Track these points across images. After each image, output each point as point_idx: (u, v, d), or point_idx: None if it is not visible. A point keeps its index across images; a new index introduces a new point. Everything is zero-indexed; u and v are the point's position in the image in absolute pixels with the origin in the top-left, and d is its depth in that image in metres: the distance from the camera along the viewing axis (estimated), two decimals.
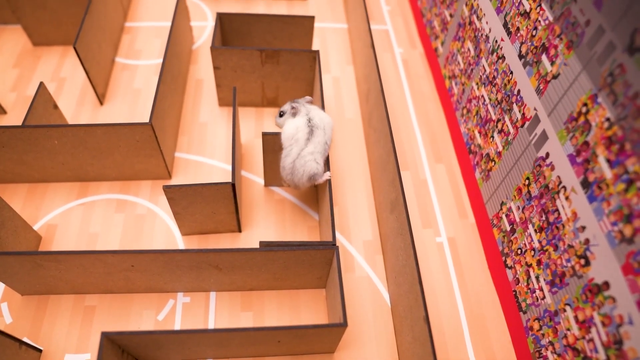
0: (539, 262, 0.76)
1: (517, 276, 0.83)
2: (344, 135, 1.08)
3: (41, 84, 0.92)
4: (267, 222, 0.94)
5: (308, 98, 0.88)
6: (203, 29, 1.28)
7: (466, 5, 1.01)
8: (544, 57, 0.75)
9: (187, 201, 0.81)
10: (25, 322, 0.82)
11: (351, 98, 1.15)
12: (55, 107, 0.97)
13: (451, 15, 1.09)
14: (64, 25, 1.18)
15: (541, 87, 0.76)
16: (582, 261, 0.66)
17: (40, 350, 0.79)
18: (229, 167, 1.01)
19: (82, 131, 0.87)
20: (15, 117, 1.08)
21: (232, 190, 0.79)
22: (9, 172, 0.95)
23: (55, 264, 0.74)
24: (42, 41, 1.21)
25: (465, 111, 1.03)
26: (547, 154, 0.74)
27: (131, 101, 1.11)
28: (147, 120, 1.07)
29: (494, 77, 0.90)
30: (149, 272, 0.77)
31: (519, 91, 0.82)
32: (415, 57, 1.25)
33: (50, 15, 1.15)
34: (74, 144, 0.89)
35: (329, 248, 0.73)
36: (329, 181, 0.81)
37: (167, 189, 0.77)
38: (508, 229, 0.86)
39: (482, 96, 0.95)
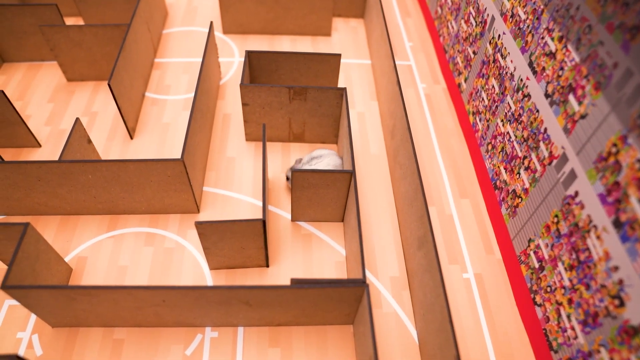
0: (570, 301, 0.75)
1: (547, 314, 0.82)
2: (369, 171, 1.09)
3: (77, 120, 0.95)
4: (294, 257, 0.94)
5: (298, 159, 1.02)
6: (230, 64, 1.32)
7: (490, 43, 1.03)
8: (571, 97, 0.76)
9: (218, 236, 0.82)
10: (55, 354, 0.83)
11: (376, 133, 1.16)
12: (89, 142, 1.00)
13: (474, 53, 1.11)
14: (97, 62, 1.22)
15: (569, 126, 0.77)
16: (616, 302, 0.65)
17: None
18: (256, 202, 1.02)
19: (116, 166, 0.89)
20: (49, 150, 1.11)
21: (262, 226, 0.80)
22: (43, 205, 0.98)
23: (88, 297, 0.75)
24: (75, 77, 1.25)
25: (490, 147, 1.04)
26: (577, 193, 0.74)
27: (160, 135, 1.14)
28: (176, 154, 1.10)
29: (520, 115, 0.91)
30: (179, 307, 0.78)
31: (545, 129, 0.83)
32: (438, 92, 1.27)
33: (85, 53, 1.19)
34: (107, 178, 0.91)
35: (359, 285, 0.73)
36: (358, 217, 0.81)
37: (199, 225, 0.79)
38: (537, 266, 0.86)
39: (508, 133, 0.96)
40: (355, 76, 1.30)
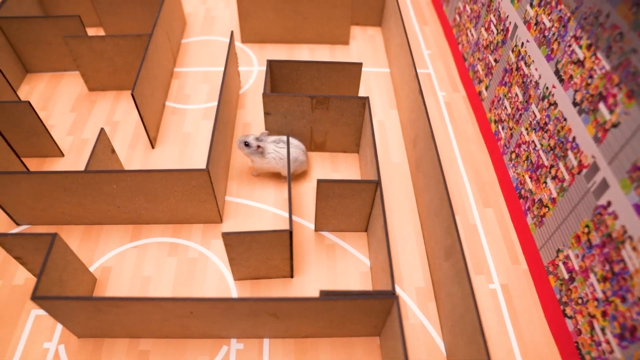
0: (604, 314, 0.74)
1: (578, 327, 0.80)
2: (391, 180, 1.08)
3: (102, 130, 0.95)
4: (318, 268, 0.94)
5: (265, 132, 1.03)
6: (249, 73, 1.32)
7: (512, 51, 1.02)
8: (601, 106, 0.75)
9: (244, 247, 0.81)
10: None
11: (397, 142, 1.16)
12: (113, 151, 1.00)
13: (496, 61, 1.11)
14: (118, 72, 1.23)
15: (599, 135, 0.76)
16: None
17: None
18: (278, 211, 1.02)
19: (141, 176, 0.89)
20: (71, 160, 1.12)
21: (289, 237, 0.79)
22: (67, 215, 0.98)
23: (116, 309, 0.75)
24: (97, 86, 1.26)
25: (513, 155, 1.03)
26: (609, 203, 0.73)
27: (181, 145, 1.14)
28: (197, 164, 1.10)
29: (546, 123, 0.90)
30: (206, 319, 0.77)
31: (574, 138, 0.82)
32: (458, 100, 1.26)
33: (106, 63, 1.20)
34: (131, 188, 0.91)
35: (388, 297, 0.73)
36: (385, 228, 0.81)
37: (226, 236, 0.78)
38: (566, 277, 0.84)
39: (533, 141, 0.95)
40: (374, 84, 1.29)
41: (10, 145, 0.99)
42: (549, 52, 0.88)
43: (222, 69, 1.33)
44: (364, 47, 1.40)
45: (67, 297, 0.73)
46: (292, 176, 1.06)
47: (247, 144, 1.00)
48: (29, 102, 1.01)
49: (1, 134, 0.96)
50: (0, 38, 1.21)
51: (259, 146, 0.99)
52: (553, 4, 0.86)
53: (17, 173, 0.89)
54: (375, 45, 1.41)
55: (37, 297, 0.73)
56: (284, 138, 1.02)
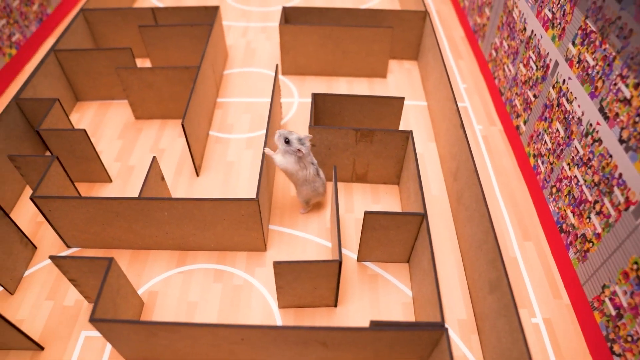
0: None
1: None
2: (432, 212, 1.10)
3: (154, 158, 0.99)
4: (361, 298, 0.95)
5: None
6: (290, 104, 1.36)
7: (553, 88, 1.04)
8: None
9: (293, 276, 0.83)
10: None
11: (436, 174, 1.17)
12: (162, 179, 1.04)
13: (535, 96, 1.13)
14: (164, 101, 1.28)
15: None
16: None
17: None
18: (321, 241, 1.04)
19: (192, 204, 0.92)
20: (119, 186, 1.16)
21: (338, 267, 0.81)
22: (117, 239, 1.01)
23: (171, 334, 0.77)
24: (143, 115, 1.32)
25: (554, 190, 1.04)
26: None
27: (225, 173, 1.18)
28: (241, 192, 1.13)
29: (589, 159, 0.91)
30: (255, 346, 0.79)
31: (620, 175, 0.83)
32: (494, 134, 1.28)
33: (154, 93, 1.25)
34: (181, 215, 0.95)
35: (438, 329, 0.73)
36: (432, 260, 0.82)
37: (277, 265, 0.80)
38: (613, 313, 0.84)
39: (575, 177, 0.96)
40: (412, 117, 1.32)
41: (65, 171, 1.03)
42: (593, 90, 0.90)
43: (264, 99, 1.38)
44: (401, 80, 1.44)
45: (125, 320, 0.76)
46: (308, 203, 1.07)
47: (287, 141, 0.95)
48: (85, 130, 1.06)
49: (58, 160, 1.01)
50: (56, 69, 1.27)
51: (299, 150, 0.95)
52: (597, 43, 0.89)
53: (74, 198, 0.93)
54: (412, 79, 1.45)
55: (95, 320, 0.75)
56: (316, 161, 1.02)
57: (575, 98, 0.96)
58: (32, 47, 1.55)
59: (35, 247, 1.04)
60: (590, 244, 0.91)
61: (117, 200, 0.92)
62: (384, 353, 0.80)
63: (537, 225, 1.09)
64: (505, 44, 1.30)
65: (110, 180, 1.17)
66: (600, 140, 0.88)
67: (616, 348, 0.83)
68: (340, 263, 0.80)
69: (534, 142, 1.13)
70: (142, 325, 0.75)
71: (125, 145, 1.26)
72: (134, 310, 0.91)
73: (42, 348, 0.89)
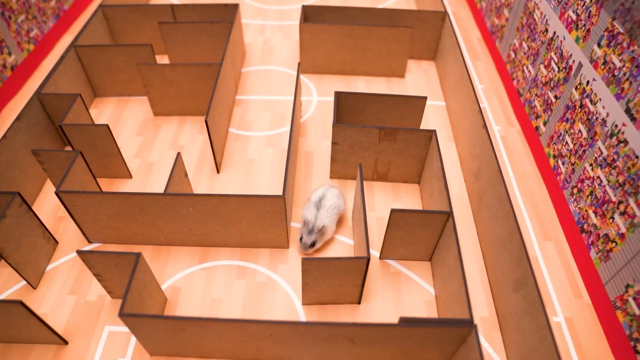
0: None
1: None
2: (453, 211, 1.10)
3: (178, 154, 1.00)
4: (384, 295, 0.95)
5: (305, 219, 0.99)
6: (309, 103, 1.37)
7: (576, 89, 1.05)
8: None
9: (320, 273, 0.84)
10: None
11: (455, 174, 1.18)
12: (186, 175, 1.04)
13: (556, 97, 1.13)
14: (183, 98, 1.29)
15: None
16: None
17: None
18: (342, 238, 1.04)
19: (217, 200, 0.93)
20: (139, 182, 1.16)
21: (366, 264, 0.82)
22: (139, 235, 1.02)
23: (199, 329, 0.77)
24: (162, 112, 1.32)
25: (575, 190, 1.04)
26: None
27: (245, 170, 1.18)
28: (262, 189, 1.14)
29: (614, 160, 0.92)
30: (283, 342, 0.79)
31: None
32: (513, 134, 1.28)
33: (174, 89, 1.26)
34: (206, 211, 0.95)
35: (467, 326, 0.74)
36: (460, 258, 0.82)
37: (305, 262, 0.81)
38: (637, 312, 0.84)
39: (598, 177, 0.96)
40: (430, 117, 1.33)
41: (88, 166, 1.04)
42: (619, 91, 0.90)
43: (283, 97, 1.38)
44: (419, 80, 1.44)
45: (155, 315, 0.76)
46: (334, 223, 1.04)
47: (313, 244, 0.99)
48: (107, 126, 1.06)
49: (82, 155, 1.01)
50: (76, 64, 1.28)
51: (321, 229, 0.98)
52: (624, 44, 0.89)
53: (99, 193, 0.93)
54: (430, 79, 1.45)
55: (125, 315, 0.76)
56: (320, 193, 1.03)
57: (600, 99, 0.97)
58: (49, 43, 1.55)
59: (57, 242, 1.04)
60: (614, 244, 0.91)
61: (142, 195, 0.93)
62: (411, 350, 0.81)
63: (557, 225, 1.09)
64: (525, 45, 1.30)
65: (131, 176, 1.17)
66: (626, 141, 0.88)
67: None
68: (368, 260, 0.81)
69: (554, 143, 1.13)
70: (172, 320, 0.76)
71: (145, 141, 1.26)
72: (158, 306, 0.91)
73: (66, 342, 0.89)
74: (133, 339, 0.90)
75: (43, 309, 0.94)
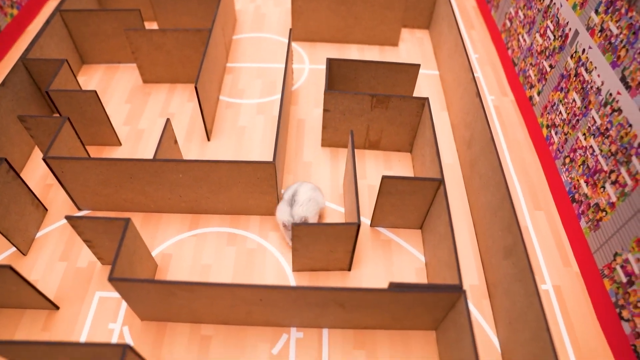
0: None
1: (636, 330, 0.81)
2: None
3: (168, 120, 0.98)
4: (374, 262, 0.96)
5: (282, 224, 0.95)
6: (300, 71, 1.35)
7: (571, 57, 1.04)
8: None
9: (311, 239, 0.84)
10: (146, 346, 0.85)
11: (448, 143, 1.17)
12: (175, 142, 1.03)
13: (551, 66, 1.12)
14: (173, 65, 1.26)
15: None
16: None
17: None
18: (333, 206, 1.04)
19: (208, 166, 0.92)
20: (128, 149, 1.15)
21: (356, 230, 0.81)
22: (129, 202, 1.01)
23: (189, 293, 0.77)
24: (151, 79, 1.30)
25: (567, 160, 1.04)
26: None
27: (236, 138, 1.17)
28: (253, 156, 1.13)
29: (607, 129, 0.91)
30: (273, 307, 0.79)
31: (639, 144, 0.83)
32: (506, 104, 1.28)
33: (163, 56, 1.23)
34: (196, 178, 0.94)
35: (456, 291, 0.74)
36: (450, 224, 0.82)
37: (296, 227, 0.80)
38: (624, 280, 0.85)
39: (591, 147, 0.96)
40: (424, 86, 1.31)
41: (76, 133, 1.02)
42: (615, 59, 0.89)
43: (275, 65, 1.36)
44: (412, 49, 1.42)
45: (144, 279, 0.76)
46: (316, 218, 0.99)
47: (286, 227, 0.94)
48: (96, 92, 1.04)
49: (69, 121, 0.99)
50: (62, 30, 1.25)
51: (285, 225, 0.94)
52: (622, 10, 0.87)
53: (87, 159, 0.92)
54: (423, 48, 1.43)
55: (114, 279, 0.76)
56: (292, 189, 0.97)
57: (595, 67, 0.96)
58: (34, 7, 1.51)
59: (46, 210, 1.04)
60: (604, 213, 0.92)
61: (131, 161, 0.92)
62: (400, 315, 0.82)
63: (548, 195, 1.09)
64: (520, 13, 1.28)
65: (120, 144, 1.16)
66: (620, 110, 0.88)
67: (625, 314, 0.84)
68: (358, 225, 0.81)
69: (548, 113, 1.13)
70: (162, 284, 0.76)
71: (134, 109, 1.24)
72: (148, 272, 0.91)
73: (57, 307, 0.89)
74: (124, 304, 0.90)
75: (34, 275, 0.94)
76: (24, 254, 0.96)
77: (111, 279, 0.75)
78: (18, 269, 0.94)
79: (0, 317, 0.88)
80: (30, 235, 0.98)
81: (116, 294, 0.92)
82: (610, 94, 0.91)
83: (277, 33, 1.47)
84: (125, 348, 0.67)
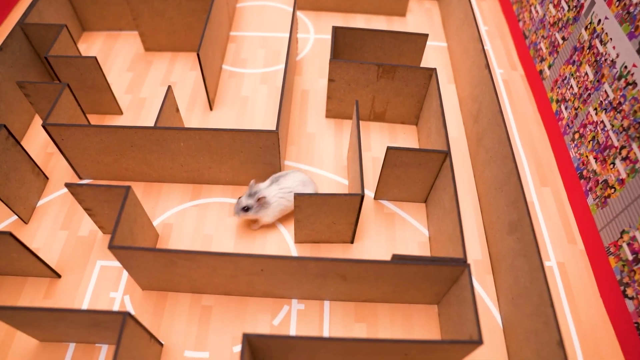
0: None
1: None
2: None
3: (169, 87, 0.96)
4: (377, 235, 0.95)
5: (252, 182, 0.91)
6: (305, 40, 1.31)
7: (586, 29, 1.00)
8: None
9: (313, 210, 0.82)
10: (147, 315, 0.85)
11: (454, 116, 1.15)
12: (177, 110, 1.01)
13: (564, 39, 1.08)
14: (176, 33, 1.23)
15: None
16: None
17: (161, 344, 0.82)
18: (337, 177, 1.03)
19: (209, 135, 0.90)
20: (130, 118, 1.13)
21: (360, 201, 0.80)
22: (130, 171, 1.00)
23: (190, 262, 0.77)
24: (153, 47, 1.27)
25: (577, 136, 1.02)
26: None
27: (239, 107, 1.15)
28: (256, 126, 1.11)
29: (620, 104, 0.89)
30: (274, 278, 0.79)
31: None
32: (515, 78, 1.25)
33: (165, 23, 1.20)
34: (198, 147, 0.92)
35: (460, 265, 0.73)
36: (456, 197, 0.81)
37: (298, 197, 0.79)
38: (630, 258, 0.84)
39: (602, 122, 0.94)
40: (431, 58, 1.28)
41: (77, 100, 1.00)
42: (632, 30, 0.86)
43: (279, 34, 1.33)
44: (420, 19, 1.38)
45: (144, 247, 0.75)
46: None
47: (246, 208, 0.89)
48: (95, 58, 1.02)
49: (69, 88, 0.97)
50: None
51: (259, 198, 0.88)
52: None
53: (88, 126, 0.90)
54: (432, 19, 1.39)
55: (114, 247, 0.75)
56: (284, 172, 0.95)
57: (611, 39, 0.92)
58: None
59: (47, 178, 1.03)
60: (612, 190, 0.90)
61: (132, 129, 0.90)
62: (402, 288, 0.81)
63: (555, 171, 1.08)
64: None
65: (121, 112, 1.14)
66: (634, 83, 0.85)
67: (629, 291, 0.83)
68: (362, 197, 0.79)
69: (559, 87, 1.10)
70: (162, 253, 0.75)
71: (136, 77, 1.22)
72: (149, 241, 0.91)
73: (59, 276, 0.89)
74: (125, 274, 0.90)
75: (35, 243, 0.93)
76: (25, 222, 0.95)
77: (111, 247, 0.74)
78: (20, 237, 0.93)
79: (3, 285, 0.88)
80: (32, 204, 0.97)
81: (117, 263, 0.91)
82: (626, 67, 0.88)
83: (281, 1, 1.44)
84: (125, 315, 0.67)
